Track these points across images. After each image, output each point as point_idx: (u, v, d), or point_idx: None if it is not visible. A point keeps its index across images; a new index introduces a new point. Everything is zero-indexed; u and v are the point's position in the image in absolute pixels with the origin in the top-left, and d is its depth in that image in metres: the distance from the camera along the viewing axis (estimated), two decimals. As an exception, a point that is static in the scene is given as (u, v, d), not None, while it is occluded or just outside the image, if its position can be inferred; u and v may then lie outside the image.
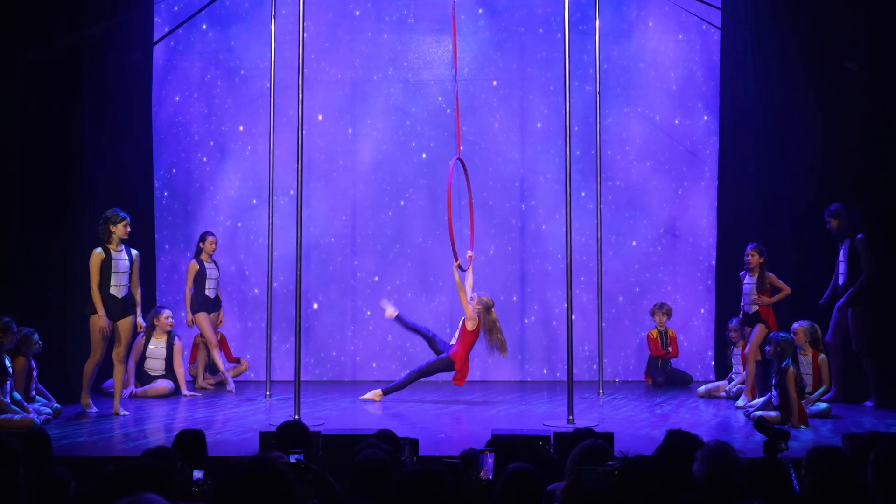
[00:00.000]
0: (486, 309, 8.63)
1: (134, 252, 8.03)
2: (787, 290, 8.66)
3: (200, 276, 9.68)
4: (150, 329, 9.36)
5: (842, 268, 8.80)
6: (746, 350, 8.71)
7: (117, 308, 7.86)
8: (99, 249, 7.82)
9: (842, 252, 8.83)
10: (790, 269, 9.24)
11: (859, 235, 8.73)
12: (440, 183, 10.75)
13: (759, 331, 8.59)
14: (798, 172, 9.32)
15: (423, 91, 10.81)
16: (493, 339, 8.62)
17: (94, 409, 7.97)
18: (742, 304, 8.85)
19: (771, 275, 8.65)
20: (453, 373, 8.68)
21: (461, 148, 9.00)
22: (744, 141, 10.10)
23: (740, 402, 8.56)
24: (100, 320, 7.76)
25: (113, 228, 7.84)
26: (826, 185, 9.08)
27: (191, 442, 4.73)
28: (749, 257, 8.70)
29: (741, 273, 8.83)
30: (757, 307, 8.62)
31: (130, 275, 7.97)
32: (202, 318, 9.67)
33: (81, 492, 3.22)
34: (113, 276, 7.82)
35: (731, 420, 7.93)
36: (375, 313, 10.58)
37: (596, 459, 3.79)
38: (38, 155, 8.55)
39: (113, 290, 7.84)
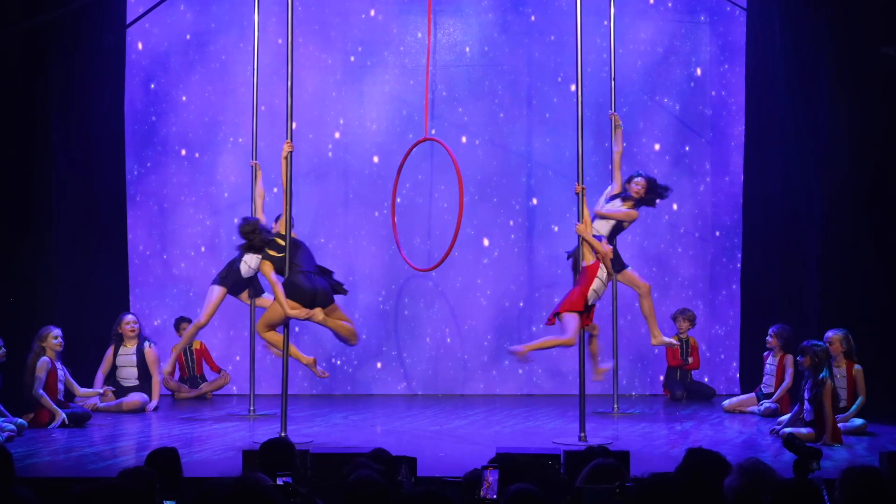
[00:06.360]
0: None
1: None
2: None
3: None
4: (119, 339, 9.44)
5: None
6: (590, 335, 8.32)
7: None
8: None
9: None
10: (819, 268, 9.24)
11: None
12: (440, 180, 10.77)
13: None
14: (830, 164, 9.30)
15: (421, 78, 10.80)
16: None
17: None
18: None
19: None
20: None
21: (427, 128, 8.68)
22: (771, 131, 10.08)
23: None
24: None
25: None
26: (859, 176, 9.07)
27: (163, 462, 4.59)
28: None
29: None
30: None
31: None
32: None
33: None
34: None
35: (758, 437, 7.94)
36: (370, 318, 10.59)
37: (608, 480, 3.78)
38: (0, 149, 8.55)
39: None
